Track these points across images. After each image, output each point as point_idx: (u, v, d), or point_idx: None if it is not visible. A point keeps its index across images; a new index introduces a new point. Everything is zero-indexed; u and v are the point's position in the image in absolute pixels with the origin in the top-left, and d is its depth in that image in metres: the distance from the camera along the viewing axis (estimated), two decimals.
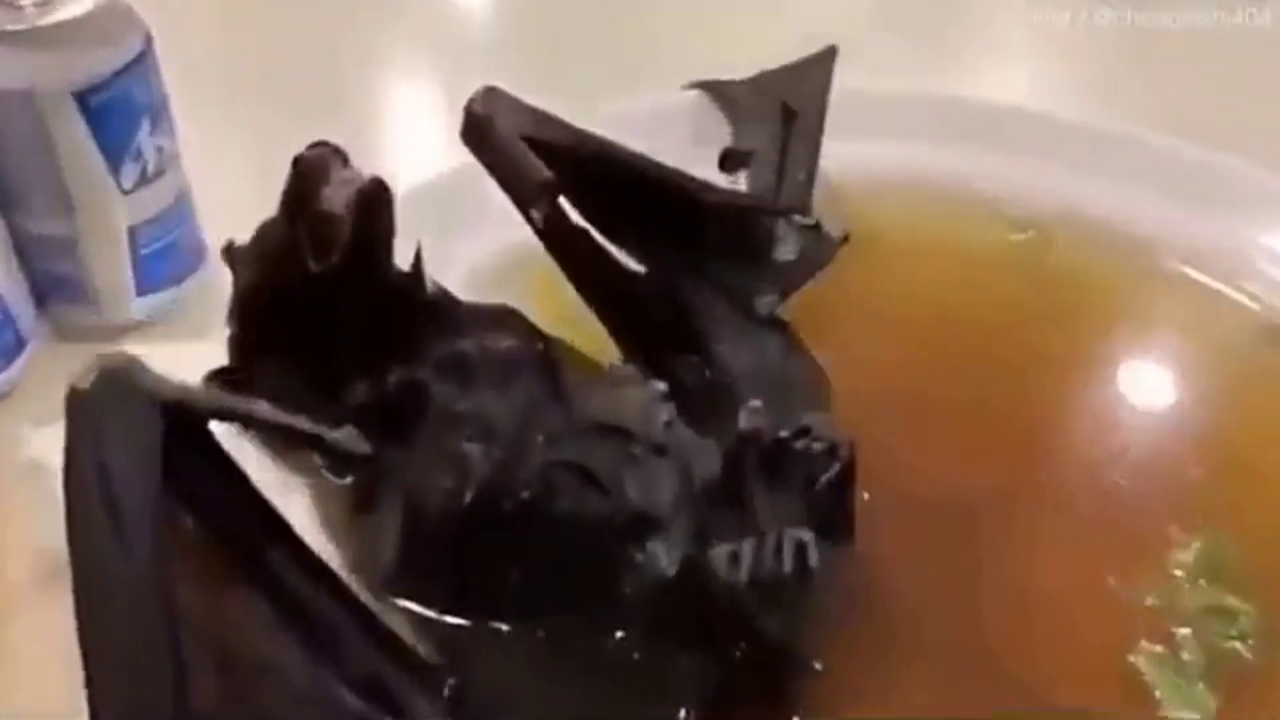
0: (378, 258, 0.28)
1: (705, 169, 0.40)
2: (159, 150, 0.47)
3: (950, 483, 0.34)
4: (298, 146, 0.60)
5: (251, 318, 0.28)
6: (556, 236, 0.32)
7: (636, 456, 0.28)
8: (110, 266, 0.48)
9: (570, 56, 0.58)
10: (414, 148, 0.60)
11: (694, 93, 0.42)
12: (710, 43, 0.55)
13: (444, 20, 0.69)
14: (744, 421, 0.27)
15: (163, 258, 0.49)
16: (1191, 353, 0.39)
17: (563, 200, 0.32)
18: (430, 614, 0.28)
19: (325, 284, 0.27)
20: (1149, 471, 0.34)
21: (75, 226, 0.46)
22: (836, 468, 0.28)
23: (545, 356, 0.29)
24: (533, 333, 0.30)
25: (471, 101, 0.31)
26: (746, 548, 0.25)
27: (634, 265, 0.34)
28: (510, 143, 0.30)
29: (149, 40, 0.46)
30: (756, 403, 0.28)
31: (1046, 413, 0.36)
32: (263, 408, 0.24)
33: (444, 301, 0.30)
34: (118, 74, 0.44)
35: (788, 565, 0.25)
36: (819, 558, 0.25)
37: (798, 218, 0.36)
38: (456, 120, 0.32)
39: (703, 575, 0.26)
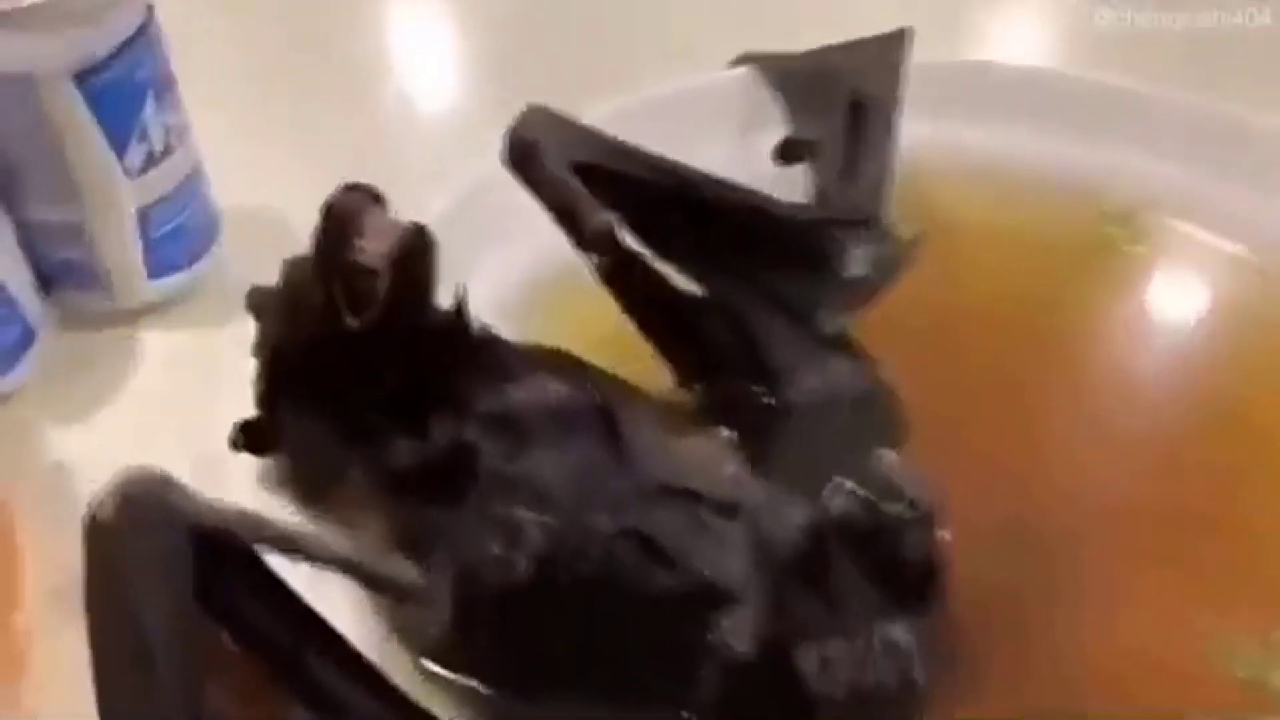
0: (418, 308, 0.25)
1: (751, 158, 0.37)
2: (166, 128, 0.44)
3: (1035, 512, 0.31)
4: (309, 111, 0.58)
5: (280, 371, 0.26)
6: (610, 272, 0.29)
7: (705, 522, 0.26)
8: (120, 251, 0.45)
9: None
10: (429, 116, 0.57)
11: (742, 70, 0.39)
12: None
13: None
14: (833, 505, 0.25)
15: (175, 238, 0.46)
16: None
17: (619, 224, 0.29)
18: (478, 687, 0.26)
19: (361, 338, 0.25)
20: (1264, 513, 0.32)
21: (82, 212, 0.44)
22: (928, 547, 0.25)
23: (602, 408, 0.27)
24: (587, 377, 0.28)
25: (516, 125, 0.28)
26: (839, 652, 0.23)
27: (689, 285, 0.31)
28: (562, 179, 0.27)
29: (150, 12, 0.42)
30: (847, 483, 0.25)
31: (1147, 433, 0.34)
32: (311, 540, 0.22)
33: (489, 344, 0.27)
34: (118, 52, 0.41)
35: (889, 679, 0.23)
36: (923, 672, 0.23)
37: (872, 215, 0.33)
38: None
39: (785, 664, 0.24)
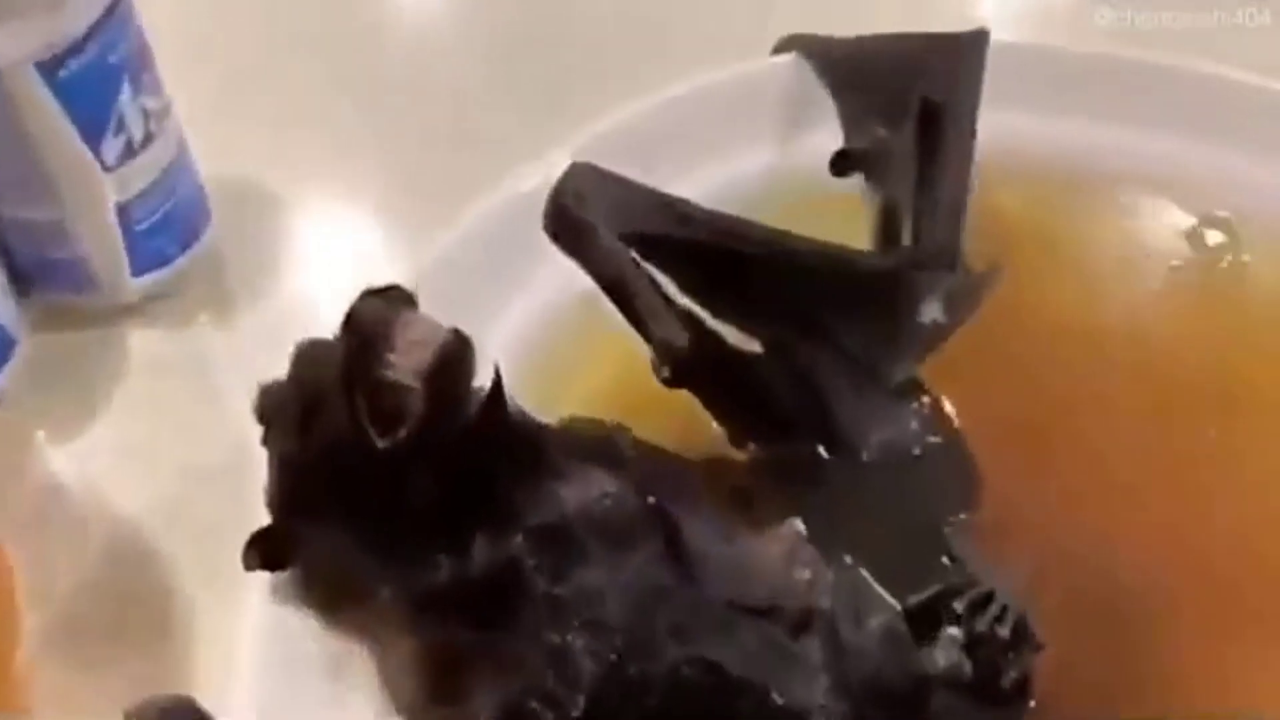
0: (456, 419, 0.22)
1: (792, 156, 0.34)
2: (145, 113, 0.40)
3: (1115, 575, 0.29)
4: (303, 80, 0.53)
5: (296, 483, 0.23)
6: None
7: (778, 642, 0.23)
8: (102, 248, 0.41)
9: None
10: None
11: (787, 59, 0.34)
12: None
13: None
14: (936, 659, 0.22)
15: (160, 231, 0.42)
16: None
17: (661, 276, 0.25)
18: None
19: (391, 456, 0.22)
20: None
21: (59, 209, 0.40)
22: (1027, 667, 0.23)
23: (661, 512, 0.24)
24: (635, 459, 0.25)
25: (558, 188, 0.24)
26: None
27: (745, 341, 0.28)
28: (619, 260, 0.24)
29: None
30: (955, 632, 0.23)
31: (1245, 480, 0.31)
32: None
33: (531, 436, 0.24)
34: (86, 36, 0.36)
35: None
36: None
37: (948, 248, 0.29)
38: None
39: None
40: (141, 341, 0.43)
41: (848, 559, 0.26)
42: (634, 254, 0.25)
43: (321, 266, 0.46)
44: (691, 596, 0.23)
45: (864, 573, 0.26)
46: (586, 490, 0.24)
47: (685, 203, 0.26)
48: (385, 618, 0.24)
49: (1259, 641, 0.28)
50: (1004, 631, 0.23)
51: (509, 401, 0.24)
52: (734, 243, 0.26)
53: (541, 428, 0.25)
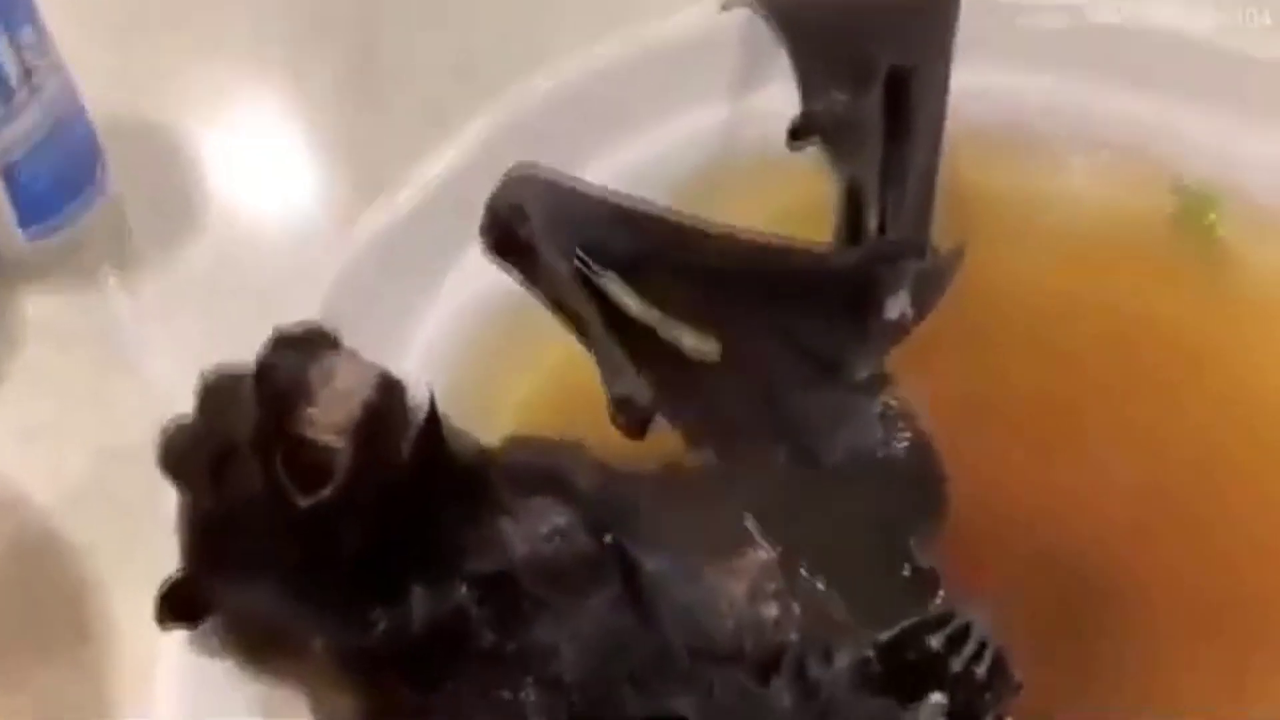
0: (388, 469, 0.20)
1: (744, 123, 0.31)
2: (25, 67, 0.35)
3: (1086, 577, 0.28)
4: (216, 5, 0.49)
5: (209, 542, 0.20)
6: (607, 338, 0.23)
7: (745, 688, 0.22)
8: None
9: None
10: None
11: (736, 13, 0.31)
12: None
13: None
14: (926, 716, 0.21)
15: (51, 190, 0.39)
16: None
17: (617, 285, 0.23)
18: None
19: (316, 513, 0.19)
20: None
21: None
22: (999, 709, 0.22)
23: (618, 552, 0.22)
24: (597, 499, 0.23)
25: (496, 197, 0.22)
26: None
27: (701, 343, 0.26)
28: (565, 279, 0.21)
29: None
30: (941, 698, 0.21)
31: (1210, 453, 0.30)
32: None
33: (472, 470, 0.22)
34: None
35: None
36: None
37: (913, 230, 0.27)
38: None
39: None
40: (39, 309, 0.40)
41: (806, 574, 0.25)
42: (586, 260, 0.23)
43: (240, 220, 0.42)
44: (652, 643, 0.21)
45: (826, 589, 0.25)
46: (535, 528, 0.22)
47: (635, 206, 0.24)
48: (319, 670, 0.22)
49: (1239, 643, 0.27)
50: (981, 671, 0.22)
51: (447, 433, 0.22)
52: (689, 254, 0.24)
53: (483, 457, 0.22)
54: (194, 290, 0.40)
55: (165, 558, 0.23)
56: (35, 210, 0.38)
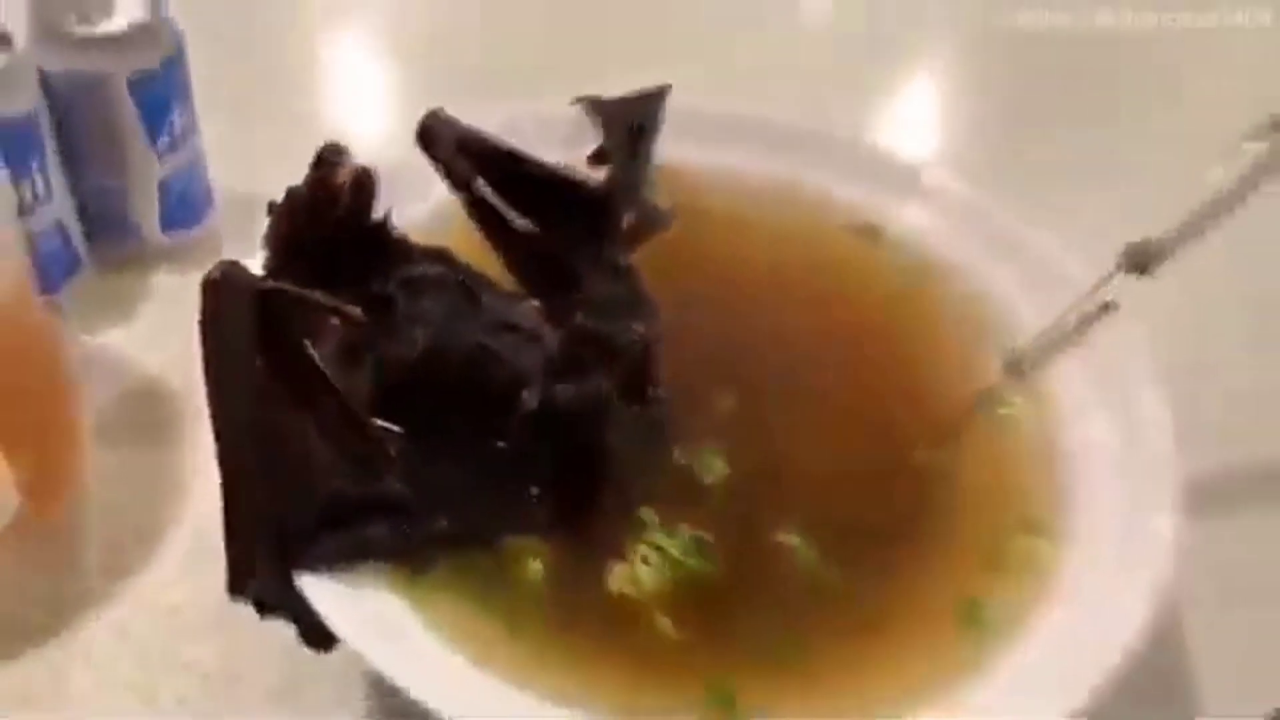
0: (363, 215, 0.46)
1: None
2: (184, 127, 0.63)
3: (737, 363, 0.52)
4: (278, 126, 0.77)
5: (280, 245, 0.46)
6: (478, 213, 0.50)
7: (519, 342, 0.46)
8: (147, 209, 0.64)
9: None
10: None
11: (577, 106, 0.60)
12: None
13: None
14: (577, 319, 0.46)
15: (182, 203, 0.65)
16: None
17: (484, 185, 0.49)
18: (391, 428, 0.45)
19: (330, 229, 0.45)
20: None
21: (125, 180, 0.63)
22: (640, 346, 0.46)
23: (464, 281, 0.47)
24: (458, 264, 0.48)
25: (423, 121, 0.49)
26: (567, 393, 0.44)
27: (530, 228, 0.51)
28: (449, 151, 0.48)
29: (180, 44, 0.62)
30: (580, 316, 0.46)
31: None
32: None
33: (402, 242, 0.47)
34: (158, 70, 0.60)
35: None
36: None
37: (642, 194, 0.54)
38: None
39: (551, 406, 0.44)
40: (168, 282, 0.66)
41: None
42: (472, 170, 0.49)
43: None
44: (479, 316, 0.46)
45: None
46: (429, 268, 0.47)
47: (492, 136, 0.50)
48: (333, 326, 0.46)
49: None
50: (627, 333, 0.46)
51: (392, 225, 0.47)
52: (514, 155, 0.50)
53: (408, 239, 0.48)
54: None
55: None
56: (171, 218, 0.65)
